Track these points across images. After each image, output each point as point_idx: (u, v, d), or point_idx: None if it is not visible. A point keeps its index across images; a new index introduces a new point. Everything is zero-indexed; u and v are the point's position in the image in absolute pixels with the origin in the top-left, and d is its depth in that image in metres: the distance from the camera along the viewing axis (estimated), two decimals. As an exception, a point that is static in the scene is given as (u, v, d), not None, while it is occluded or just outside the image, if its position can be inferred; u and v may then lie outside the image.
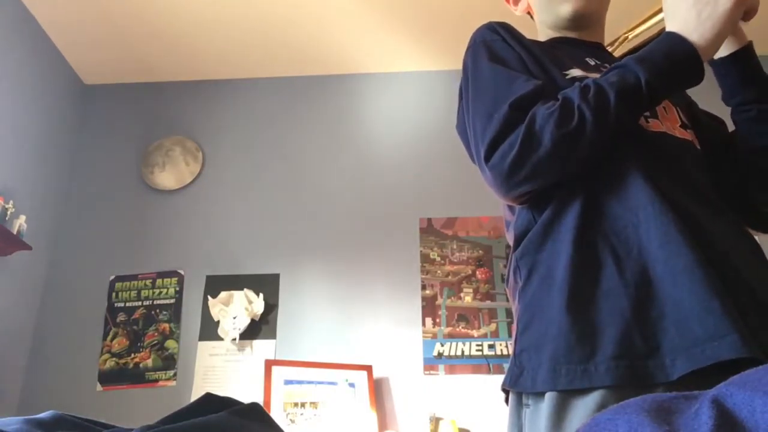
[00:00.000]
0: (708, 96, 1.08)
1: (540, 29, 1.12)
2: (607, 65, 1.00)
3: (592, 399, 0.73)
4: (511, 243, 0.95)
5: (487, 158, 0.85)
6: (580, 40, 1.06)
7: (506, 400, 0.88)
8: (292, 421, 2.36)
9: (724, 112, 1.04)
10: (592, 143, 0.82)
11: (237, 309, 2.68)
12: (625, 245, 0.80)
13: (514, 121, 0.84)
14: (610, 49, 1.12)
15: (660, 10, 0.99)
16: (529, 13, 1.15)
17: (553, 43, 1.06)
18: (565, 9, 1.03)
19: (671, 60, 0.83)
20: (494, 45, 0.98)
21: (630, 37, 1.11)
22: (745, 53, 0.95)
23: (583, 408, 0.73)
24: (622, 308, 0.76)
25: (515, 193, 0.86)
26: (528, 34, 1.03)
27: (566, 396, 0.75)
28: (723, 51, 0.95)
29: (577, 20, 1.04)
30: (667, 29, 0.87)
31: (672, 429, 0.39)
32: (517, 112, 0.84)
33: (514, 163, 0.83)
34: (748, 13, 0.87)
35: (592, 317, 0.77)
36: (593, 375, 0.73)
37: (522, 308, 0.87)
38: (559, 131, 0.81)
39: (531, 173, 0.83)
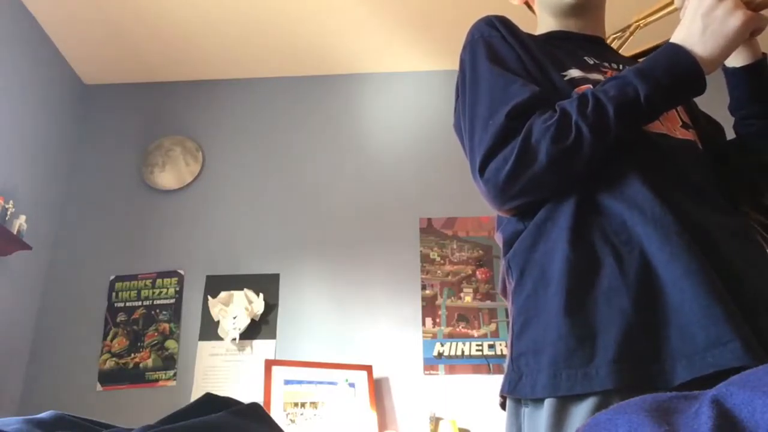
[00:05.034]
0: (710, 99, 1.07)
1: (539, 16, 1.11)
2: (606, 64, 0.99)
3: (592, 402, 0.72)
4: (500, 244, 0.94)
5: (482, 170, 0.84)
6: (580, 34, 1.05)
7: (502, 405, 0.87)
8: (292, 421, 2.36)
9: (726, 119, 1.04)
10: (589, 159, 0.81)
11: (237, 309, 2.68)
12: (626, 245, 0.78)
13: (510, 132, 0.83)
14: (621, 37, 1.11)
15: (671, 2, 0.98)
16: (527, 3, 1.14)
17: (552, 39, 1.05)
18: None
19: (672, 74, 0.81)
20: (492, 42, 0.96)
21: (642, 25, 1.10)
22: (757, 68, 0.93)
23: (583, 412, 0.72)
24: (623, 309, 0.74)
25: (509, 206, 0.86)
26: (525, 28, 1.01)
27: (566, 400, 0.74)
28: (736, 62, 0.94)
29: (580, 7, 1.03)
30: (672, 37, 0.85)
31: (672, 429, 0.39)
32: (514, 121, 0.83)
33: (509, 178, 0.82)
34: (753, 33, 0.86)
35: (591, 319, 0.75)
36: (594, 379, 0.72)
37: (516, 311, 0.85)
38: (555, 147, 0.80)
39: (525, 188, 0.82)
